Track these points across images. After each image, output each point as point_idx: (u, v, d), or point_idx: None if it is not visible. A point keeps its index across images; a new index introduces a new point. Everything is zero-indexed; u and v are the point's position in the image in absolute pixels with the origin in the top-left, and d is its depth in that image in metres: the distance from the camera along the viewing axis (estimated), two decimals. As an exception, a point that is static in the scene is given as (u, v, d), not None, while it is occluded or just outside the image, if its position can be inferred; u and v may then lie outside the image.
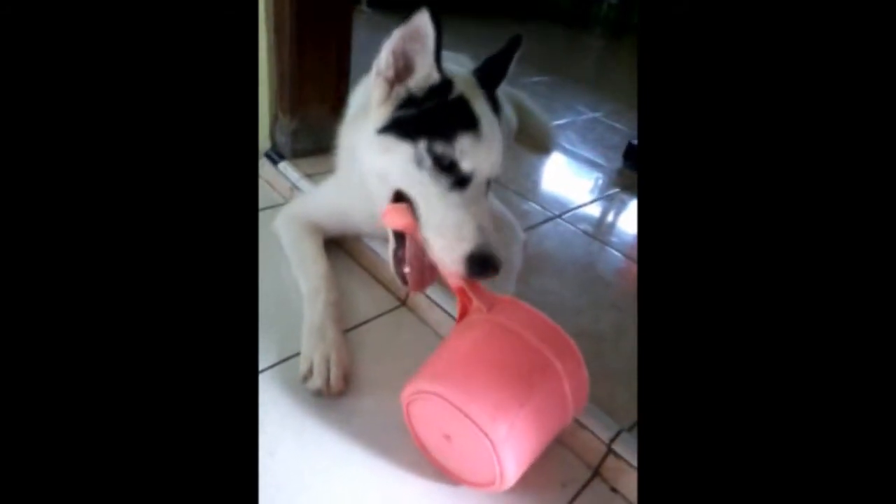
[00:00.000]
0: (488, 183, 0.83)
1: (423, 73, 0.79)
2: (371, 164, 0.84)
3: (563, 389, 0.67)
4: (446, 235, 0.76)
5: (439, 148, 0.77)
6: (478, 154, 0.77)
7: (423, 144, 0.78)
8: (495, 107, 0.86)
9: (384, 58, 0.79)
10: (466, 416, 0.63)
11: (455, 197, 0.77)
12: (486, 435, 0.62)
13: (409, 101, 0.81)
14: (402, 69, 0.80)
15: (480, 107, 0.81)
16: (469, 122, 0.78)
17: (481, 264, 0.73)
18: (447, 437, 0.69)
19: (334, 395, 0.79)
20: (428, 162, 0.78)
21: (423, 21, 0.73)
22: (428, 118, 0.79)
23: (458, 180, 0.78)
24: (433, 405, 0.67)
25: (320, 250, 1.03)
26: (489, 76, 0.88)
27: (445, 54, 0.85)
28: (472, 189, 0.78)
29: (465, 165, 0.77)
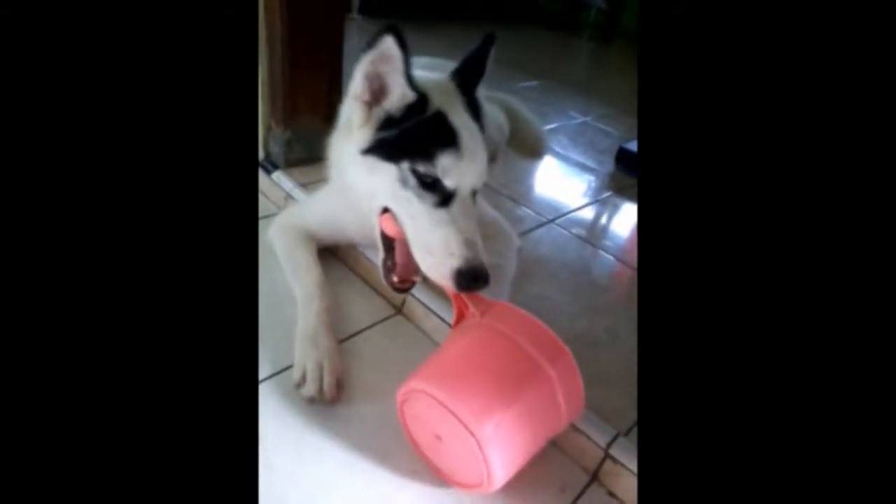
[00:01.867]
0: (475, 192, 0.83)
1: (398, 94, 0.79)
2: (358, 184, 0.86)
3: (554, 393, 0.67)
4: (434, 252, 0.77)
5: (421, 168, 0.78)
6: (460, 169, 0.78)
7: (405, 165, 0.79)
8: (476, 110, 0.86)
9: (358, 82, 0.80)
10: (453, 414, 0.64)
11: (441, 214, 0.78)
12: (472, 434, 0.63)
13: (388, 122, 0.81)
14: (378, 91, 0.81)
15: (459, 119, 0.81)
16: (448, 139, 0.78)
17: (470, 278, 0.75)
18: (438, 438, 0.70)
19: (327, 402, 0.80)
20: (412, 181, 0.79)
21: (388, 45, 0.74)
22: (408, 138, 0.80)
23: (443, 197, 0.79)
24: (424, 404, 0.68)
25: (314, 258, 1.04)
26: (467, 77, 0.88)
27: (430, 62, 0.86)
28: (457, 203, 0.79)
29: (449, 182, 0.78)
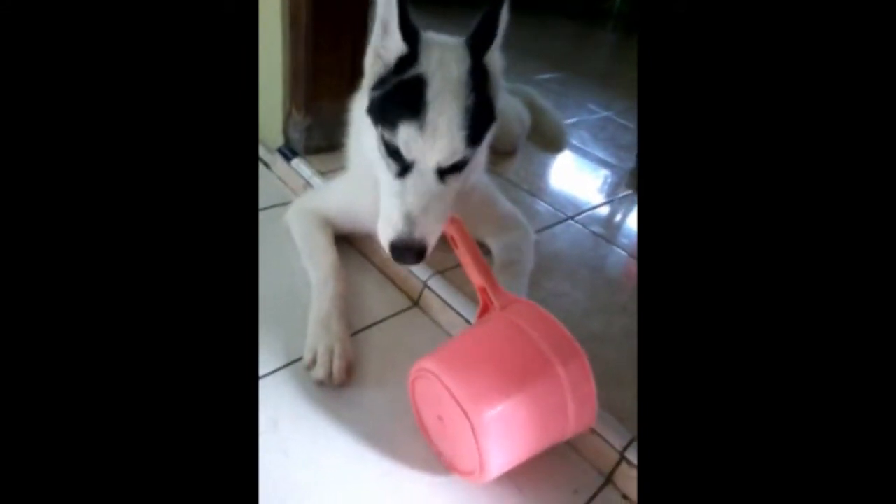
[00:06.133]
0: (457, 169, 0.79)
1: (393, 42, 0.77)
2: (365, 146, 0.86)
3: (562, 394, 0.67)
4: (381, 221, 0.80)
5: (386, 135, 0.77)
6: (418, 145, 0.75)
7: (379, 129, 0.79)
8: (480, 75, 0.80)
9: (376, 29, 0.79)
10: (453, 396, 0.65)
11: (396, 185, 0.78)
12: (468, 418, 0.64)
13: (383, 80, 0.80)
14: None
15: (438, 89, 0.75)
16: (414, 110, 0.74)
17: (400, 252, 0.77)
18: (440, 419, 0.71)
19: (336, 386, 0.81)
20: (383, 148, 0.79)
21: None
22: (386, 101, 0.79)
23: (403, 168, 0.78)
24: (430, 384, 0.70)
25: (330, 242, 1.04)
26: (478, 39, 0.82)
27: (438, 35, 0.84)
28: (412, 177, 0.77)
29: (407, 154, 0.76)
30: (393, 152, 0.77)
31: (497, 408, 0.64)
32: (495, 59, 0.84)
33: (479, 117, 0.78)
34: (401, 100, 0.76)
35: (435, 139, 0.75)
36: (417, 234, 0.76)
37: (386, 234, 0.78)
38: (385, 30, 0.79)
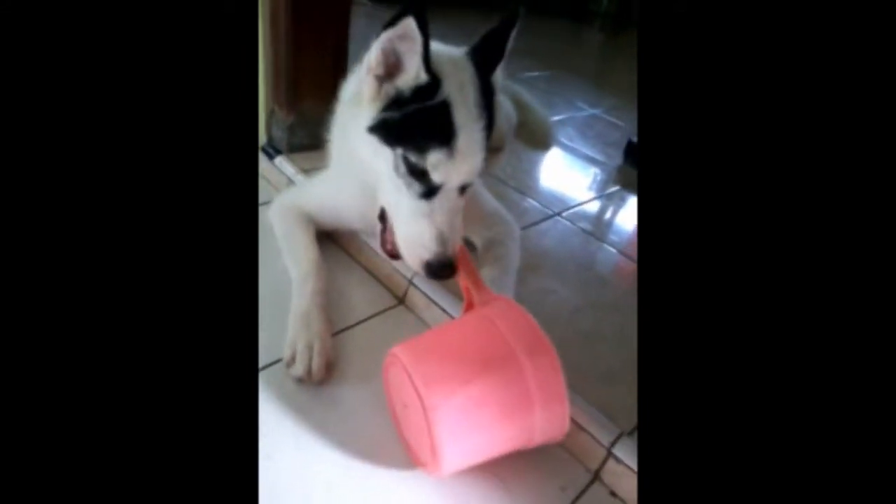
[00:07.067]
0: (465, 186, 0.83)
1: (412, 74, 0.78)
2: (364, 161, 0.86)
3: (525, 386, 0.65)
4: (410, 241, 0.81)
5: (413, 158, 0.78)
6: (449, 168, 0.77)
7: (399, 151, 0.79)
8: (489, 94, 0.83)
9: (374, 56, 0.78)
10: (410, 378, 0.65)
11: (422, 205, 0.79)
12: (420, 399, 0.63)
13: (396, 102, 0.79)
14: (392, 67, 0.79)
15: (463, 114, 0.78)
16: (445, 136, 0.77)
17: (438, 270, 0.80)
18: (405, 406, 0.71)
19: (315, 383, 0.80)
20: (403, 169, 0.79)
21: (409, 26, 0.72)
22: (408, 125, 0.79)
23: (429, 189, 0.79)
24: (395, 370, 0.70)
25: (312, 239, 1.04)
26: (485, 59, 0.84)
27: (441, 48, 0.83)
28: (440, 198, 0.80)
29: (436, 177, 0.78)
30: (419, 174, 0.78)
31: (451, 391, 0.63)
32: (498, 75, 0.87)
33: (489, 131, 0.82)
34: (429, 126, 0.78)
35: (464, 163, 0.78)
36: (450, 251, 0.80)
37: (419, 255, 0.80)
38: (398, 63, 0.78)
